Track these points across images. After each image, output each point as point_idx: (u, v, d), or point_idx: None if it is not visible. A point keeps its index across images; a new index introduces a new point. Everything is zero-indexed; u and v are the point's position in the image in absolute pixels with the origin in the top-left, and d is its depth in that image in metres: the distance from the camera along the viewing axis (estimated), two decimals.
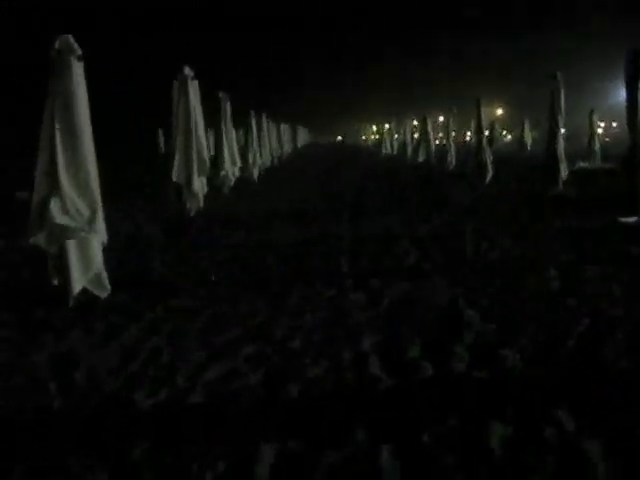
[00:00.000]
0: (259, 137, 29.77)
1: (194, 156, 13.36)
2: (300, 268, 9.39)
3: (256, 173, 25.53)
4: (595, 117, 32.15)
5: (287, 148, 50.89)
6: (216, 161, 19.01)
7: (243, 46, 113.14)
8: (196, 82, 13.51)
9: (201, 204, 13.82)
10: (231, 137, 19.36)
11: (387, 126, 56.28)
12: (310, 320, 6.76)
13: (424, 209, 15.64)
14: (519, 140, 47.19)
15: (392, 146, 51.62)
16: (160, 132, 42.35)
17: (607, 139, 63.46)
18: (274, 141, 39.86)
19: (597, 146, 31.59)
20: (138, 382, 5.26)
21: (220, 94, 19.04)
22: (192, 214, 13.94)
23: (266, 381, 5.22)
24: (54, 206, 7.66)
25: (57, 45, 7.87)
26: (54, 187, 7.69)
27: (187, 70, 13.28)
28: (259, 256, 10.43)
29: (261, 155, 29.05)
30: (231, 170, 19.12)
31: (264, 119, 31.76)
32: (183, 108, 13.30)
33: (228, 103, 19.22)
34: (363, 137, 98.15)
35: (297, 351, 5.86)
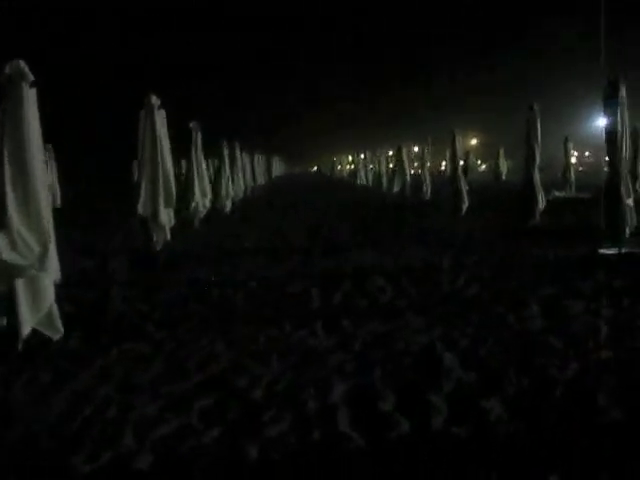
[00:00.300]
0: (232, 168, 29.33)
1: (160, 187, 12.87)
2: (268, 307, 8.83)
3: (228, 205, 24.96)
4: (570, 145, 32.19)
5: (261, 179, 50.46)
6: (186, 192, 18.58)
7: (219, 76, 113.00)
8: (163, 111, 13.07)
9: (168, 237, 13.30)
10: (202, 168, 18.84)
11: (362, 156, 56.06)
12: (276, 366, 6.20)
13: (399, 242, 15.20)
14: (494, 169, 47.27)
15: (367, 176, 51.38)
16: (135, 164, 41.84)
17: (581, 168, 63.92)
18: (248, 172, 39.43)
19: (572, 176, 31.58)
20: (79, 441, 4.69)
21: (191, 124, 18.57)
22: (158, 247, 13.42)
23: (223, 439, 4.67)
24: (1, 241, 7.11)
25: (7, 70, 7.37)
26: (1, 220, 7.15)
27: (154, 99, 12.83)
28: (226, 293, 9.85)
29: (234, 186, 28.61)
30: (202, 202, 18.62)
31: (237, 149, 31.19)
32: (149, 138, 12.83)
33: (199, 133, 18.70)
34: (339, 167, 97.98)
35: (259, 403, 5.31)
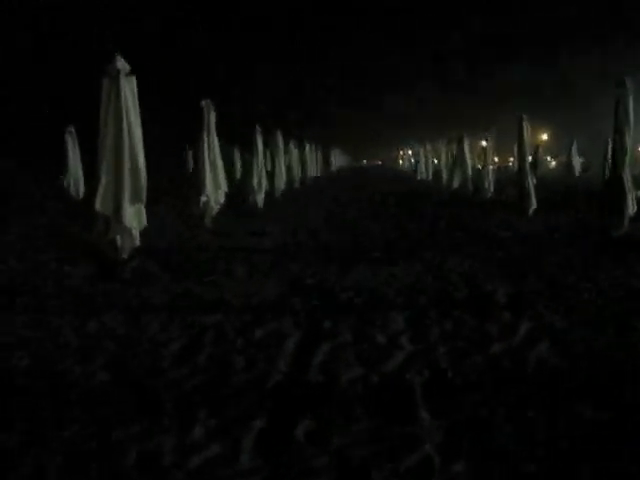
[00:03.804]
0: (274, 158, 26.45)
1: (126, 177, 9.80)
2: (199, 375, 5.39)
3: (260, 199, 21.70)
4: None
5: (313, 171, 46.98)
6: (196, 184, 15.53)
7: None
8: (133, 79, 9.95)
9: (137, 242, 10.17)
10: (215, 155, 15.63)
11: (422, 149, 52.20)
12: None
13: (443, 253, 11.74)
14: (566, 165, 43.00)
15: (427, 170, 47.80)
16: (190, 154, 39.15)
17: None
18: (295, 163, 36.31)
19: None
20: None
21: (203, 102, 15.41)
22: (125, 255, 10.32)
23: None
24: None
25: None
26: None
27: (120, 63, 9.70)
28: (153, 342, 6.52)
29: (275, 178, 25.65)
30: (214, 196, 15.48)
31: (279, 138, 28.00)
32: (113, 113, 9.75)
33: (212, 113, 15.50)
34: (400, 162, 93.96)
35: None
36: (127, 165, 9.76)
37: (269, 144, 27.12)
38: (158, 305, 8.02)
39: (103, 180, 9.78)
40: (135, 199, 9.94)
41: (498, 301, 7.83)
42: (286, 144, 33.45)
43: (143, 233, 10.19)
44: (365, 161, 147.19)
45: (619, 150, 12.66)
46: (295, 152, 37.31)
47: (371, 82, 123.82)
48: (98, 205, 9.76)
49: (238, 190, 21.80)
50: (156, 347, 6.15)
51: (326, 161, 69.47)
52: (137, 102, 9.98)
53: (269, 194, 23.28)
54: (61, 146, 23.99)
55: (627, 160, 12.67)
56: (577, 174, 41.26)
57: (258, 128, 22.25)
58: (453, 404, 4.60)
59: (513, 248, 12.27)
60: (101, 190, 9.77)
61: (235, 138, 35.43)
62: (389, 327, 6.66)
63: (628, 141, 12.51)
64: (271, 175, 25.79)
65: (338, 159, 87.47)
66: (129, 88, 9.83)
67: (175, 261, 11.34)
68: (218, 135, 15.56)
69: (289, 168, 33.21)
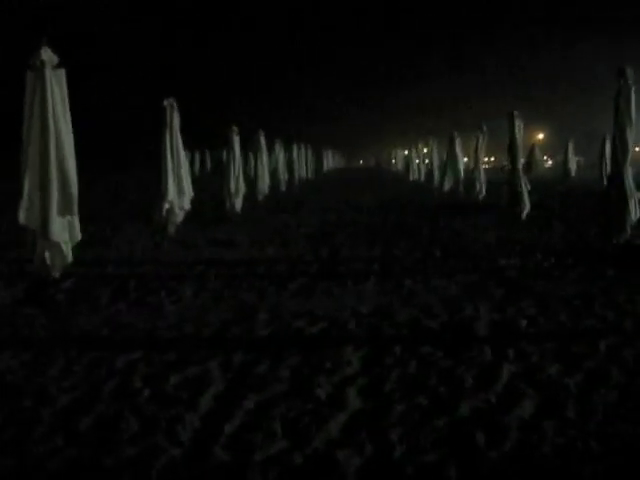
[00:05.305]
0: (256, 159, 25.18)
1: (53, 185, 8.46)
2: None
3: (238, 204, 20.32)
4: None
5: (302, 173, 45.43)
6: (158, 189, 14.21)
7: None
8: (62, 71, 8.60)
9: (69, 259, 8.83)
10: (179, 158, 14.27)
11: (415, 149, 50.76)
12: None
13: (422, 268, 10.40)
14: (562, 166, 41.63)
15: (419, 171, 46.47)
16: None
17: None
18: (281, 164, 34.86)
19: None
20: None
21: (165, 101, 14.06)
22: (56, 274, 8.98)
23: None
24: None
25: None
26: None
27: (46, 54, 8.35)
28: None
29: (252, 182, 24.37)
30: (177, 202, 14.13)
31: (262, 139, 26.63)
32: (38, 110, 8.41)
33: (176, 113, 14.14)
34: (393, 162, 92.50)
35: None
36: (54, 172, 8.44)
37: (252, 145, 26.00)
38: (74, 338, 6.70)
39: (27, 189, 8.46)
40: (65, 210, 8.62)
41: (478, 332, 6.49)
42: (271, 145, 32.23)
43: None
44: (361, 161, 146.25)
45: (620, 147, 11.31)
46: (281, 153, 35.88)
47: (363, 84, 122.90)
48: (22, 218, 8.45)
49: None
50: (38, 403, 4.82)
51: (318, 162, 68.08)
52: (66, 98, 8.64)
53: (250, 199, 21.94)
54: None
55: (628, 158, 11.35)
56: (573, 175, 39.99)
57: (234, 128, 20.83)
58: None
59: (500, 259, 10.95)
60: (25, 200, 8.45)
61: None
62: (338, 371, 5.32)
63: (630, 137, 11.17)
64: (252, 178, 24.58)
65: (331, 160, 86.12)
66: (57, 82, 8.49)
67: (120, 278, 10.02)
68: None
69: (274, 170, 31.90)
